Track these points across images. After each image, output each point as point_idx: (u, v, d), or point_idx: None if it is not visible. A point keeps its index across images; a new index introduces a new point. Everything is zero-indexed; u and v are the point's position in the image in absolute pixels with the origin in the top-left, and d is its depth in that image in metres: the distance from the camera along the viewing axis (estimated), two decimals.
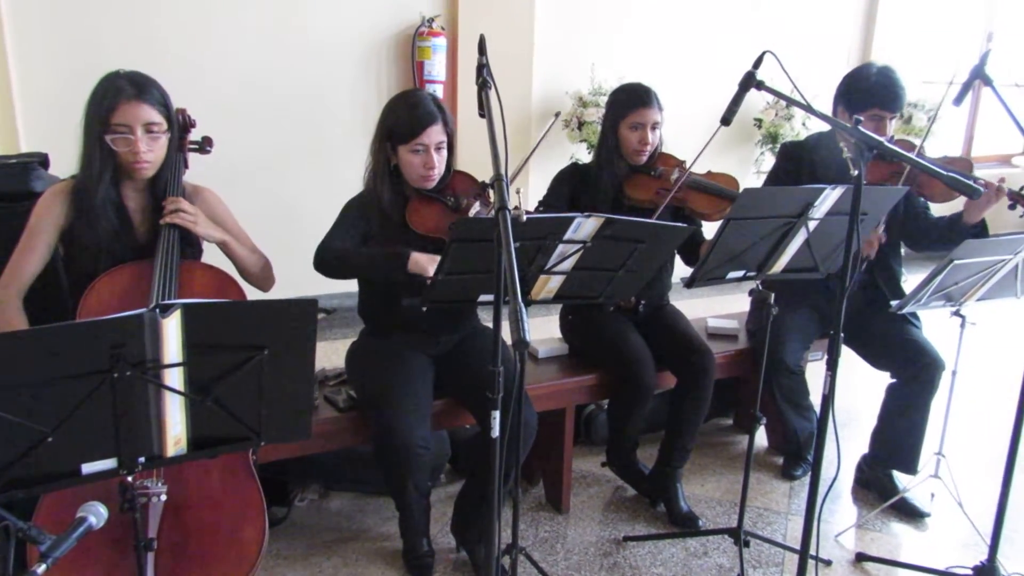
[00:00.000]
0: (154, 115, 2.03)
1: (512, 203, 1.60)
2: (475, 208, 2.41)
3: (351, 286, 2.58)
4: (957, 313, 2.70)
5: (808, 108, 1.95)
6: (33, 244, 2.08)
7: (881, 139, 1.80)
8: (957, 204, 2.72)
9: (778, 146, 5.41)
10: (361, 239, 2.44)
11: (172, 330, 1.34)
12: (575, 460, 3.02)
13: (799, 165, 2.92)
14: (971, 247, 2.34)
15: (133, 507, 1.56)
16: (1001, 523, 2.31)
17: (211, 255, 2.27)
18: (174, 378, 1.40)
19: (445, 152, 2.40)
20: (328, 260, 2.38)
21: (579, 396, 2.84)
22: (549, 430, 2.77)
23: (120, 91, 1.99)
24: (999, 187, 2.59)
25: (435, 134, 2.34)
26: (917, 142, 2.81)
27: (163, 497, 1.81)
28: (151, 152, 2.04)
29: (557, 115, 2.31)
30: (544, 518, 2.85)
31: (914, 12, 6.04)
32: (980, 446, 3.42)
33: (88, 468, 1.40)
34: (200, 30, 4.01)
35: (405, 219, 2.38)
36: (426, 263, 2.27)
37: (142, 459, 1.43)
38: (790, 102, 2.02)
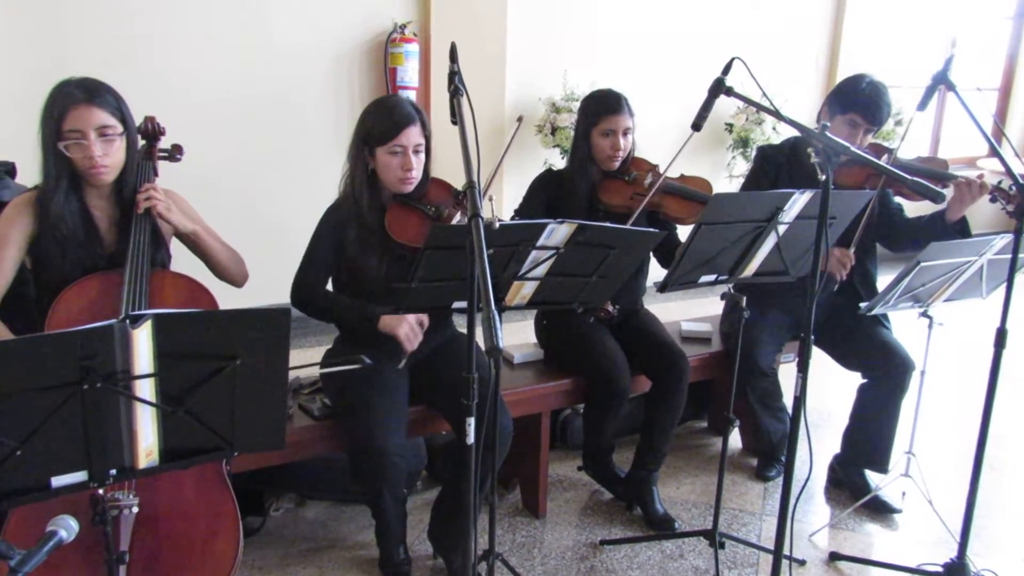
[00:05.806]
0: (107, 118, 2.00)
1: (485, 211, 1.61)
2: (457, 217, 2.41)
3: None
4: (925, 314, 2.75)
5: (775, 113, 1.97)
6: (1, 256, 2.05)
7: (847, 144, 1.82)
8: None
9: (749, 150, 5.47)
10: (339, 248, 2.43)
11: (143, 341, 1.33)
12: (551, 465, 3.03)
13: (778, 168, 2.94)
14: (937, 249, 2.38)
15: (104, 520, 1.54)
16: (970, 520, 2.35)
17: (181, 263, 2.26)
18: (145, 389, 1.38)
19: (423, 155, 2.40)
20: (304, 300, 2.45)
21: (555, 401, 2.85)
22: (525, 435, 2.77)
23: (70, 97, 1.97)
24: (981, 184, 2.59)
25: (413, 135, 2.34)
26: (888, 145, 2.84)
27: (135, 509, 1.79)
28: (107, 156, 2.01)
29: (520, 120, 2.32)
30: (521, 523, 2.85)
31: (880, 18, 6.15)
32: (949, 444, 3.48)
33: (58, 481, 1.38)
34: (170, 37, 3.97)
35: (383, 226, 2.38)
36: (395, 324, 2.30)
37: (113, 471, 1.42)
38: (759, 108, 2.04)
